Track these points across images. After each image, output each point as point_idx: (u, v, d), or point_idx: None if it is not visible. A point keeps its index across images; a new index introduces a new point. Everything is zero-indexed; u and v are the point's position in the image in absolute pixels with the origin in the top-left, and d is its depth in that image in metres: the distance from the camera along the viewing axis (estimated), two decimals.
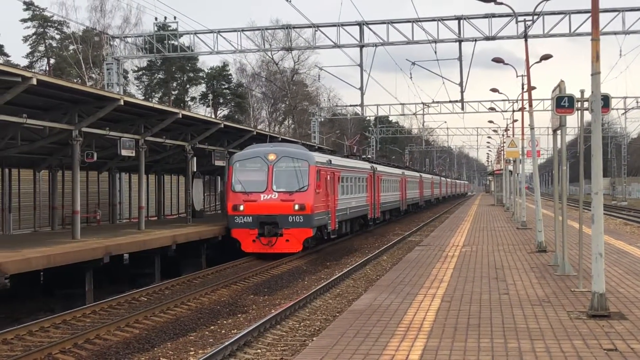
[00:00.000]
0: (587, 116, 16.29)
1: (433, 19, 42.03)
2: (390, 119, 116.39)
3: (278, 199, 32.07)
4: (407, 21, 41.98)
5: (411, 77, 72.10)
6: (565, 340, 11.78)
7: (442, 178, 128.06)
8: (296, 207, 31.67)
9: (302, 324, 18.60)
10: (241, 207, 32.19)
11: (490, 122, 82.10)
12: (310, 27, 43.42)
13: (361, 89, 45.94)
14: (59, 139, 27.65)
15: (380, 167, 56.84)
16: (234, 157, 34.74)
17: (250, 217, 31.97)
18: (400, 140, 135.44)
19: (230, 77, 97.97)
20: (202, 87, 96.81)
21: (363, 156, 63.67)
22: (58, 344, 15.97)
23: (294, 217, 31.71)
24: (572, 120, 18.03)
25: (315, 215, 32.62)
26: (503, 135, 70.06)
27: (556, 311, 14.35)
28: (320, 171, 34.07)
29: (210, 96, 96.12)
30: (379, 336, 12.33)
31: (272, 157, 32.97)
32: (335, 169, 38.21)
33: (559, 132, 19.35)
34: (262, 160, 33.22)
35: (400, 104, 74.79)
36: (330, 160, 37.64)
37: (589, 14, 14.32)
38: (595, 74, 13.60)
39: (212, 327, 18.72)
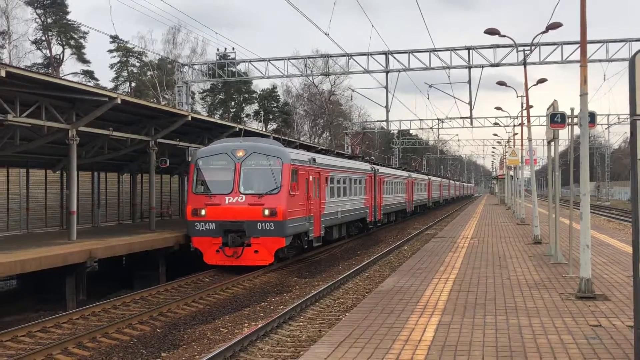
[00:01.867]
0: (577, 130, 16.31)
1: (447, 49, 41.82)
2: (410, 132, 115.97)
3: (245, 203, 23.16)
4: (425, 51, 41.80)
5: (428, 98, 72.28)
6: (557, 317, 11.77)
7: (451, 181, 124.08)
8: (266, 212, 22.90)
9: (336, 301, 18.64)
10: (202, 212, 23.34)
11: (495, 135, 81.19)
12: (344, 56, 43.46)
13: (386, 107, 45.76)
14: (138, 148, 27.91)
15: (382, 169, 47.63)
16: (197, 153, 25.01)
17: (213, 224, 23.20)
18: (419, 150, 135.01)
19: (278, 97, 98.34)
20: (255, 106, 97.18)
21: (367, 158, 53.34)
22: (137, 316, 16.16)
23: (263, 224, 22.94)
24: (564, 134, 17.95)
25: (289, 222, 23.54)
26: (505, 146, 69.57)
27: (550, 293, 14.34)
28: (298, 170, 24.91)
29: (262, 113, 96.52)
30: (401, 312, 12.36)
31: (240, 153, 23.83)
32: (322, 169, 28.90)
33: (552, 143, 19.34)
34: (228, 157, 23.99)
35: (419, 119, 74.76)
36: (314, 159, 28.07)
37: (578, 45, 14.22)
38: (583, 94, 13.64)
39: (263, 304, 18.82)
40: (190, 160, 25.34)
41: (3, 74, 16.32)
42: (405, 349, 9.60)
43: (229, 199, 23.16)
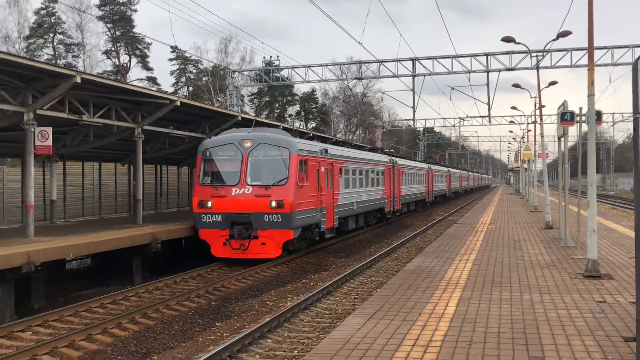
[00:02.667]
0: (584, 127, 16.11)
1: (467, 55, 41.41)
2: (435, 129, 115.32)
3: (252, 194, 20.29)
4: (448, 57, 41.43)
5: (450, 98, 71.82)
6: (567, 294, 11.66)
7: (470, 173, 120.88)
8: (273, 203, 20.09)
9: (369, 279, 18.65)
10: (209, 204, 20.58)
11: (511, 131, 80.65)
12: (375, 62, 43.25)
13: (413, 107, 45.35)
14: (195, 144, 28.14)
15: (401, 161, 43.58)
16: (204, 144, 22.08)
17: (220, 216, 20.44)
18: (442, 145, 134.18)
19: (317, 99, 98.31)
20: (297, 107, 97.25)
21: (386, 150, 48.45)
22: (195, 290, 16.34)
23: (270, 216, 20.16)
24: (573, 130, 17.73)
25: (297, 214, 20.63)
26: (520, 141, 68.79)
27: (559, 272, 14.21)
28: (307, 161, 21.78)
29: (303, 113, 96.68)
30: (426, 289, 12.34)
31: (248, 144, 20.91)
32: (335, 160, 25.74)
33: (562, 139, 19.17)
34: (236, 147, 21.03)
35: (442, 118, 75.01)
36: (326, 150, 24.86)
37: (586, 51, 14.05)
38: (591, 95, 13.54)
39: (304, 281, 18.91)
40: (197, 151, 22.21)
41: (78, 80, 16.58)
42: (429, 321, 9.60)
43: (236, 191, 20.40)
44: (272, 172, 20.70)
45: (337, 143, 33.77)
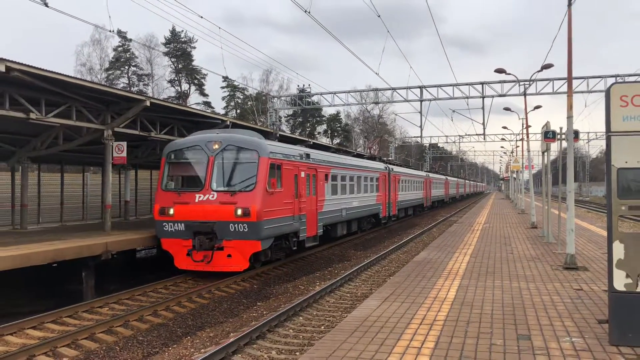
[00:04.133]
0: (564, 144, 15.92)
1: (466, 84, 41.03)
2: (438, 145, 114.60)
3: (216, 201, 15.51)
4: (450, 85, 41.10)
5: (452, 119, 71.42)
6: (549, 282, 11.49)
7: (466, 181, 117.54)
8: (238, 211, 15.24)
9: (383, 268, 18.54)
10: (171, 211, 15.80)
11: (502, 147, 79.80)
12: (390, 89, 43.05)
13: (421, 126, 45.15)
14: None
15: (397, 169, 38.51)
16: (168, 146, 17.01)
17: (182, 224, 15.64)
18: (445, 158, 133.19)
19: (341, 120, 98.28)
20: (324, 126, 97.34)
21: (384, 158, 43.94)
22: (240, 275, 16.37)
23: (236, 225, 15.30)
24: (554, 146, 17.55)
25: (267, 223, 15.72)
26: (510, 155, 68.08)
27: (543, 265, 14.00)
28: (281, 166, 16.93)
29: (329, 131, 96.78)
30: (431, 277, 12.24)
31: (215, 146, 16.09)
32: (319, 166, 20.74)
33: (545, 153, 18.98)
34: (202, 150, 16.21)
35: (445, 135, 74.55)
36: (308, 155, 19.85)
37: (566, 80, 13.90)
38: (569, 117, 13.41)
39: (329, 269, 18.84)
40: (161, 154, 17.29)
41: (148, 104, 16.79)
42: (434, 303, 9.52)
43: (199, 197, 15.62)
44: (239, 176, 15.87)
45: (317, 148, 27.18)
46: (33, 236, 16.72)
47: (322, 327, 11.03)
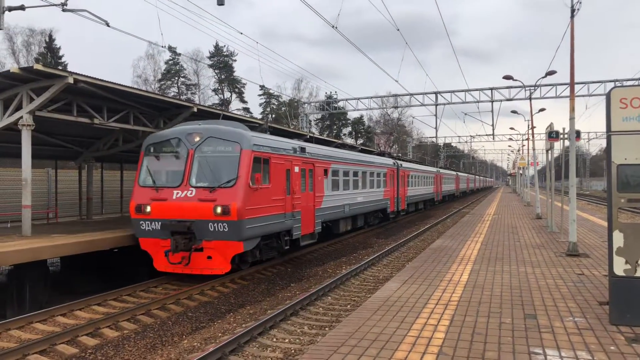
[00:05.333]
0: (566, 142, 15.60)
1: (477, 89, 40.47)
2: (452, 144, 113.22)
3: (194, 198, 12.68)
4: (462, 91, 40.60)
5: (464, 121, 70.80)
6: (553, 267, 11.28)
7: (476, 176, 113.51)
8: (218, 209, 12.36)
9: (402, 254, 18.42)
10: (147, 209, 12.98)
11: (509, 146, 78.62)
12: (408, 95, 42.72)
13: (436, 128, 44.66)
14: None
15: (407, 164, 34.58)
16: (147, 139, 14.02)
17: (159, 223, 12.83)
18: (457, 156, 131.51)
19: (364, 122, 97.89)
20: (349, 128, 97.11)
21: (394, 155, 40.29)
22: (276, 258, 16.45)
23: (215, 225, 12.45)
24: (557, 145, 17.19)
25: (249, 222, 12.74)
26: (517, 153, 66.95)
27: (547, 252, 13.75)
28: (269, 160, 13.96)
29: (353, 133, 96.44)
30: (446, 262, 12.12)
31: (196, 138, 13.23)
32: (317, 161, 17.67)
33: (549, 151, 18.62)
34: (182, 143, 13.34)
35: (458, 136, 73.79)
36: (303, 148, 16.65)
37: (568, 85, 13.58)
38: (572, 118, 13.13)
39: (354, 255, 18.79)
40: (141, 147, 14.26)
41: (195, 110, 16.95)
42: (449, 286, 9.42)
43: (177, 193, 12.87)
44: (219, 171, 12.96)
45: (321, 142, 24.51)
46: (97, 225, 17.07)
47: (349, 306, 11.01)
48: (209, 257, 12.65)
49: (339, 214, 20.12)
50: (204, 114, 18.40)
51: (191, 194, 12.78)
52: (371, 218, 26.09)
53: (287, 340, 8.75)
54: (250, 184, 12.79)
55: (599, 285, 9.39)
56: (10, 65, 48.56)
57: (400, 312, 7.62)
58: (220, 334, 9.35)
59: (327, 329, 9.27)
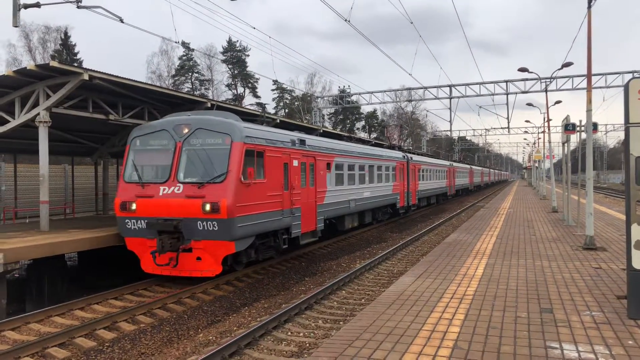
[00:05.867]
0: (583, 135, 15.41)
1: (491, 82, 40.05)
2: (466, 138, 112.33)
3: (182, 195, 11.71)
4: (477, 83, 40.21)
5: (479, 114, 70.16)
6: (569, 261, 11.15)
7: (491, 170, 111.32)
8: (207, 207, 11.37)
9: (417, 248, 18.36)
10: (133, 206, 12.04)
11: (525, 139, 77.60)
12: (422, 88, 42.47)
13: (450, 121, 44.32)
14: None
15: (417, 157, 33.24)
16: (134, 131, 13.06)
17: (145, 221, 11.92)
18: (472, 150, 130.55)
19: (377, 116, 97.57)
20: (362, 122, 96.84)
21: (406, 148, 38.69)
22: (290, 253, 16.49)
23: (205, 223, 11.49)
24: (573, 137, 17.01)
25: (241, 220, 11.71)
26: (532, 146, 66.25)
27: (563, 245, 13.60)
28: (264, 153, 12.91)
29: (367, 127, 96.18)
30: (460, 256, 12.05)
31: (185, 130, 12.29)
32: (319, 154, 16.58)
33: (565, 144, 18.41)
34: (170, 135, 12.40)
35: (472, 129, 72.46)
36: (303, 141, 15.57)
37: (585, 77, 13.38)
38: (589, 111, 12.93)
39: (368, 249, 18.78)
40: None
41: (209, 105, 16.99)
42: (463, 280, 9.37)
43: (164, 190, 11.91)
44: (208, 165, 11.98)
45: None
46: (112, 221, 17.24)
47: (363, 300, 11.01)
48: (198, 258, 11.71)
49: (344, 210, 19.07)
50: (217, 109, 18.47)
51: (179, 190, 11.83)
52: (380, 214, 25.01)
53: (301, 334, 8.79)
54: (242, 179, 11.78)
55: (616, 279, 9.28)
56: (27, 63, 49.15)
57: (415, 306, 7.61)
58: (235, 328, 9.42)
59: (341, 323, 9.29)
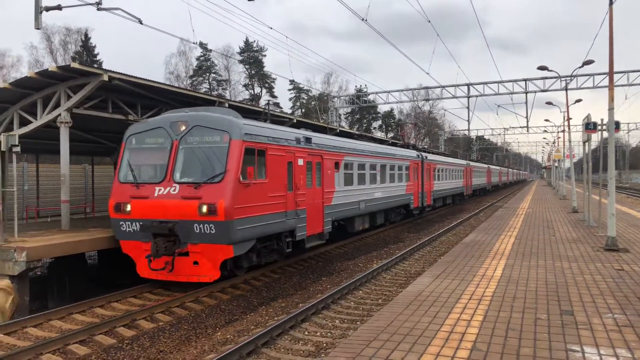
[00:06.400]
0: (605, 134, 15.18)
1: (510, 81, 39.58)
2: (485, 137, 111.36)
3: (178, 196, 11.11)
4: (495, 82, 39.79)
5: (497, 113, 69.63)
6: (591, 263, 10.97)
7: (509, 169, 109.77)
8: (203, 208, 10.79)
9: (434, 249, 18.25)
10: (127, 208, 11.57)
11: (544, 138, 76.59)
12: (439, 87, 42.14)
13: (468, 121, 43.87)
14: None
15: (432, 156, 31.93)
16: (129, 129, 12.46)
17: (140, 224, 11.35)
18: (490, 149, 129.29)
19: (394, 115, 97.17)
20: (379, 122, 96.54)
21: (420, 146, 37.85)
22: (307, 252, 16.50)
23: (201, 226, 10.87)
24: (594, 136, 16.77)
25: (240, 222, 11.10)
26: (552, 145, 65.39)
27: (584, 246, 13.38)
28: (265, 151, 12.29)
29: (384, 126, 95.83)
30: (479, 257, 11.94)
31: (182, 127, 11.68)
32: (326, 152, 15.87)
33: (586, 143, 18.13)
34: (166, 132, 11.80)
35: (491, 128, 72.05)
36: (308, 138, 14.85)
37: (606, 75, 13.17)
38: (611, 109, 12.74)
39: (385, 249, 18.71)
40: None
41: (227, 105, 17.10)
42: (482, 281, 9.28)
43: (160, 190, 11.34)
44: (206, 164, 11.40)
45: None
46: None
47: (380, 300, 10.98)
48: (196, 263, 11.11)
49: (354, 211, 18.33)
50: (234, 109, 18.59)
51: (174, 190, 11.22)
52: (392, 215, 24.21)
53: (318, 334, 8.79)
54: (241, 179, 11.15)
55: (639, 281, 9.10)
56: (49, 64, 49.97)
57: (433, 307, 7.56)
58: (252, 327, 9.46)
59: (358, 323, 9.27)
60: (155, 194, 11.35)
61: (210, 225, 10.82)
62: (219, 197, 10.81)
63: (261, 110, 18.83)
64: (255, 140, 11.94)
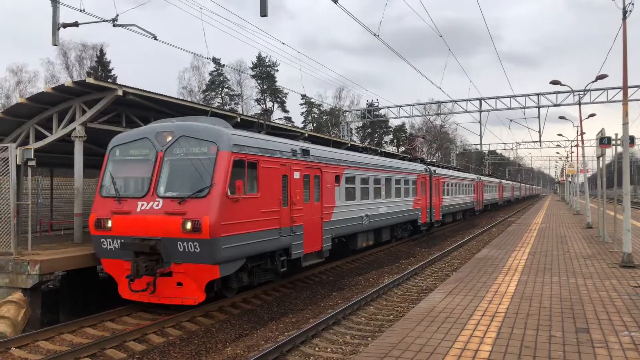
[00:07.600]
0: (619, 148, 15.05)
1: (522, 95, 39.45)
2: (497, 151, 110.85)
3: (161, 211, 10.20)
4: (507, 97, 39.67)
5: (509, 128, 68.78)
6: (606, 279, 10.81)
7: (522, 184, 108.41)
8: (187, 225, 9.87)
9: (446, 264, 18.10)
10: (109, 224, 10.68)
11: (557, 153, 76.13)
12: (451, 101, 42.10)
13: (480, 135, 43.88)
14: None
15: (441, 170, 30.99)
16: (113, 140, 11.62)
17: (121, 241, 10.50)
18: (503, 164, 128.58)
19: (405, 130, 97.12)
20: (390, 136, 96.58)
21: (430, 160, 37.26)
22: (317, 267, 16.40)
23: (185, 244, 9.96)
24: (609, 151, 16.63)
25: (227, 241, 10.14)
26: (565, 160, 64.87)
27: (599, 263, 13.19)
28: (257, 164, 11.35)
29: (395, 140, 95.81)
30: (492, 273, 11.82)
31: (168, 138, 10.84)
32: (325, 165, 15.00)
33: (600, 158, 17.96)
34: (151, 143, 10.97)
35: (503, 143, 71.73)
36: (306, 151, 14.02)
37: (620, 89, 13.09)
38: (625, 124, 12.66)
39: (397, 264, 18.60)
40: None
41: (239, 120, 17.21)
42: (495, 297, 9.17)
43: (142, 205, 10.52)
44: (191, 178, 10.57)
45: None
46: None
47: (391, 316, 10.88)
48: (179, 284, 10.35)
49: (356, 228, 17.40)
50: (246, 124, 18.69)
51: (157, 205, 10.38)
52: (399, 231, 23.22)
53: (329, 350, 8.71)
54: (229, 193, 10.31)
55: None
56: (65, 80, 50.80)
57: (445, 323, 7.47)
58: (263, 342, 9.40)
59: (369, 339, 9.18)
60: (138, 209, 10.53)
61: (195, 243, 9.99)
62: (203, 213, 9.97)
63: (296, 131, 18.10)
64: (246, 151, 11.13)
